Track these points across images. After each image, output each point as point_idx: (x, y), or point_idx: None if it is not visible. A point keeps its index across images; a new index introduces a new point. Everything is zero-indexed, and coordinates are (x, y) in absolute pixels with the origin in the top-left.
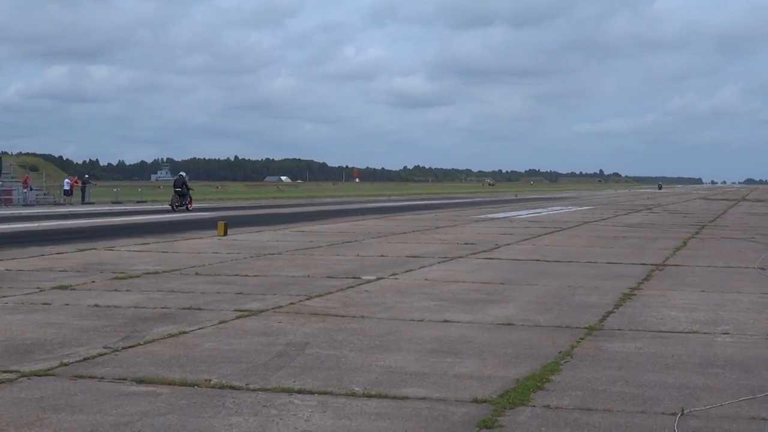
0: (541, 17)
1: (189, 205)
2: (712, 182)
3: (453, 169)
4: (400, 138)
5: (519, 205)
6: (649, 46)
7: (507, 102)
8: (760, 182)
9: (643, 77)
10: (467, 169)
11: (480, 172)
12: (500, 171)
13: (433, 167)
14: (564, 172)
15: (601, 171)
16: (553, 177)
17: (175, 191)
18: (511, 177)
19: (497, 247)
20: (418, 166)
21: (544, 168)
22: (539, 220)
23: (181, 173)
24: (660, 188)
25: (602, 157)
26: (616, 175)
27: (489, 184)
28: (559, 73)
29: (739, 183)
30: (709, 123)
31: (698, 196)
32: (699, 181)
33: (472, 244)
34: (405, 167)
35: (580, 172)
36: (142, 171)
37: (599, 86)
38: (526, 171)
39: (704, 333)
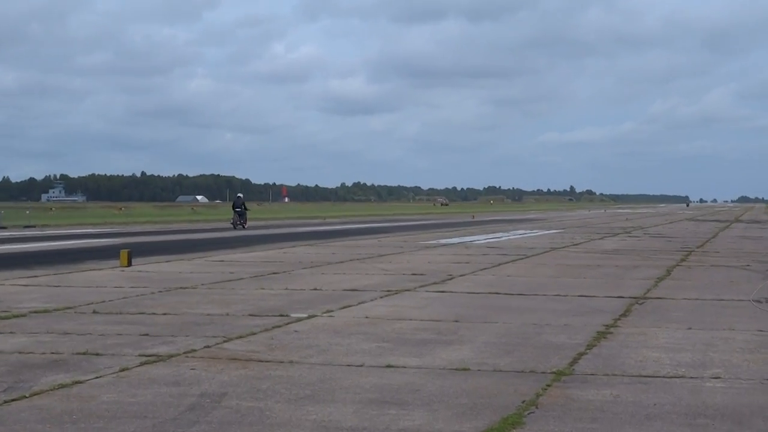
0: (501, 10)
1: (244, 224)
2: (701, 201)
3: (399, 186)
4: (337, 150)
5: (476, 228)
6: (626, 43)
7: (462, 108)
8: (756, 200)
9: (619, 79)
10: (416, 187)
11: (431, 189)
12: (454, 188)
13: (376, 184)
14: (529, 189)
15: (572, 188)
16: (516, 195)
17: (235, 211)
18: (468, 195)
19: (451, 278)
20: (359, 182)
21: (505, 185)
22: (500, 246)
23: (239, 195)
24: (687, 206)
25: (573, 172)
26: (590, 192)
27: (441, 204)
28: (522, 74)
29: (731, 201)
30: (697, 132)
31: (684, 216)
32: (686, 199)
33: (421, 274)
34: (343, 184)
35: (548, 190)
36: (31, 190)
37: (569, 90)
38: (484, 188)
39: (691, 377)
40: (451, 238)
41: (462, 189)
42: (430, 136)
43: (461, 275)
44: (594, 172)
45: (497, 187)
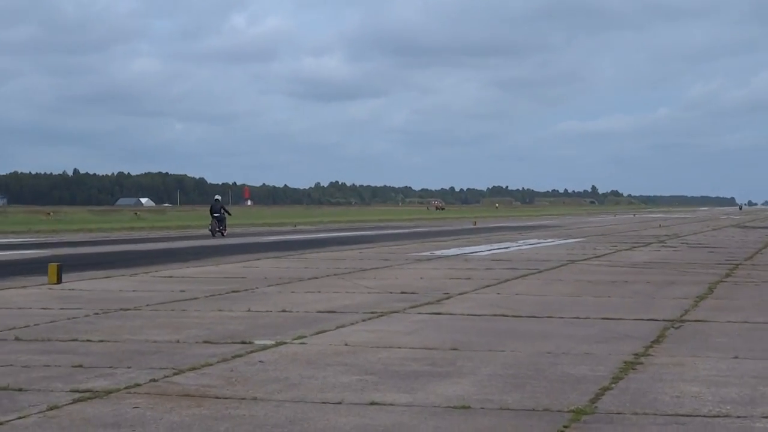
0: None
1: (223, 231)
2: (750, 203)
3: (386, 186)
4: (310, 143)
5: (479, 237)
6: (660, 13)
7: (461, 92)
8: None
9: (652, 56)
10: (406, 187)
11: (424, 191)
12: (452, 189)
13: (358, 184)
14: (542, 190)
15: (594, 188)
16: (527, 197)
17: (213, 216)
18: (468, 197)
19: (447, 298)
20: (337, 182)
21: (514, 185)
22: (507, 259)
23: (217, 197)
24: (741, 209)
25: (595, 169)
26: (615, 194)
27: (437, 208)
28: (534, 51)
29: None
30: (745, 120)
31: (730, 222)
32: (731, 201)
33: (412, 293)
34: (318, 184)
35: (565, 190)
36: None
37: (591, 70)
38: (488, 189)
39: (738, 417)
40: (448, 248)
41: (461, 190)
42: (423, 125)
43: (460, 294)
44: (621, 168)
45: (504, 187)
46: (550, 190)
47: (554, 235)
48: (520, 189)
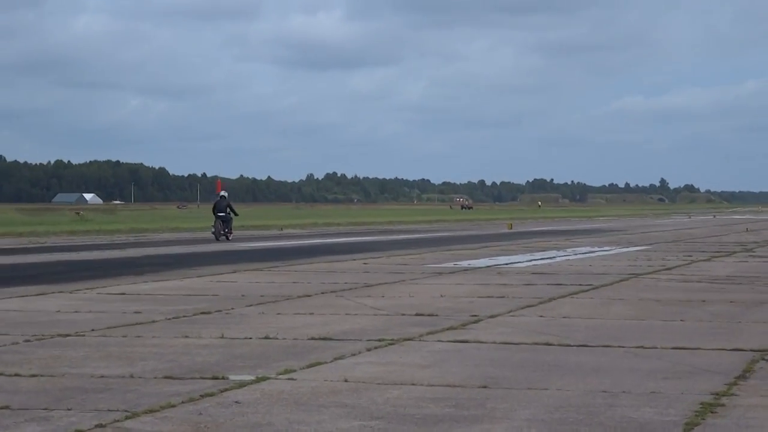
0: None
1: (229, 235)
2: None
3: (397, 179)
4: (301, 124)
5: (516, 244)
6: None
7: (494, 59)
8: None
9: (737, 15)
10: (423, 180)
11: (445, 184)
12: (482, 183)
13: (362, 176)
14: (597, 184)
15: (663, 182)
16: (577, 193)
17: (218, 216)
18: (503, 194)
19: (475, 321)
20: (334, 174)
21: (561, 177)
22: (552, 272)
23: (223, 193)
24: None
25: (666, 158)
26: (690, 189)
27: (462, 207)
28: (586, 7)
29: None
30: None
31: None
32: None
33: (430, 315)
34: (311, 177)
35: (626, 185)
36: None
37: (660, 32)
38: (528, 183)
39: None
40: (476, 258)
41: (493, 184)
42: (444, 101)
43: (492, 316)
44: (697, 157)
45: (548, 180)
46: (607, 185)
47: (612, 242)
48: (569, 183)
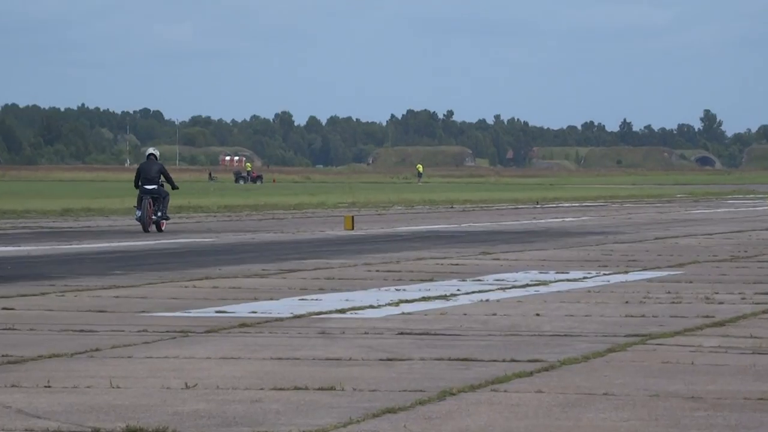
0: None
1: (161, 224)
2: None
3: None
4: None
5: (366, 262)
6: None
7: None
8: None
9: None
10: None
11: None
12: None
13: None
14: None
15: (708, 119)
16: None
17: (145, 191)
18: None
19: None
20: (258, 116)
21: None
22: (447, 332)
23: (153, 152)
24: None
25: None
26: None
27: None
28: None
29: None
30: None
31: None
32: None
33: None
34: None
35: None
36: None
37: None
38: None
39: None
40: (274, 298)
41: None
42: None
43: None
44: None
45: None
46: (565, 127)
47: (590, 260)
48: (503, 120)
